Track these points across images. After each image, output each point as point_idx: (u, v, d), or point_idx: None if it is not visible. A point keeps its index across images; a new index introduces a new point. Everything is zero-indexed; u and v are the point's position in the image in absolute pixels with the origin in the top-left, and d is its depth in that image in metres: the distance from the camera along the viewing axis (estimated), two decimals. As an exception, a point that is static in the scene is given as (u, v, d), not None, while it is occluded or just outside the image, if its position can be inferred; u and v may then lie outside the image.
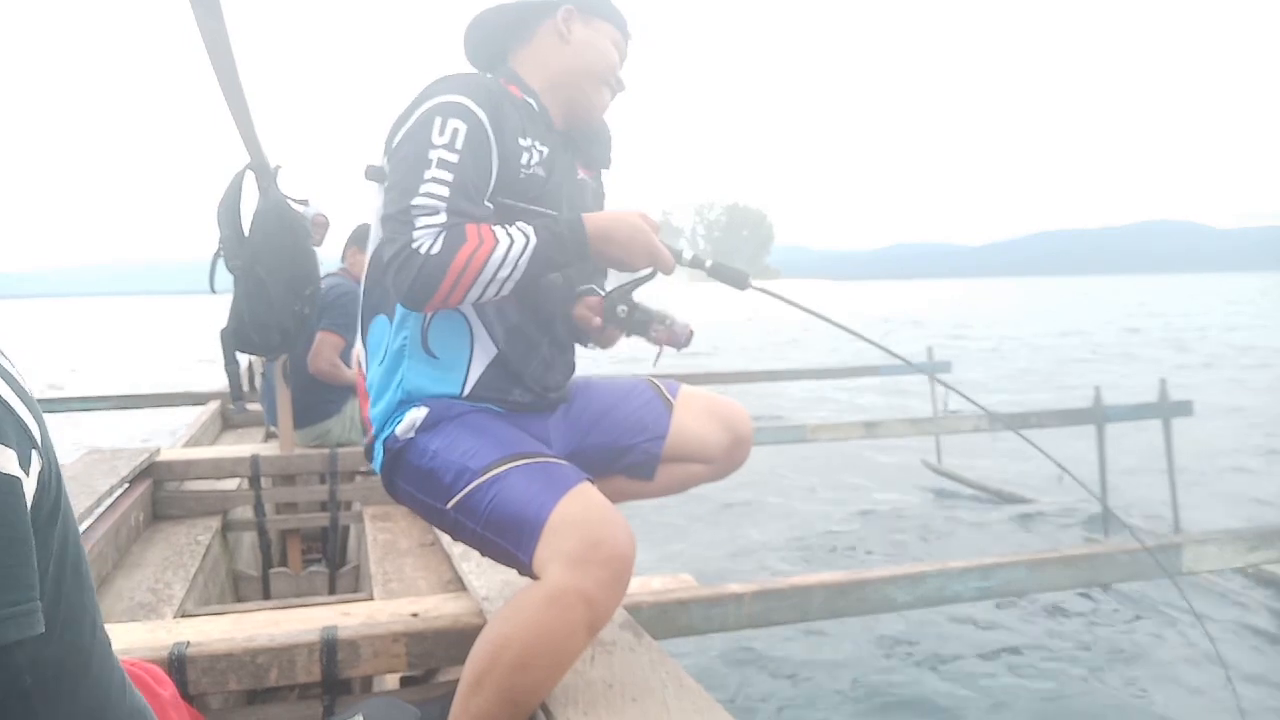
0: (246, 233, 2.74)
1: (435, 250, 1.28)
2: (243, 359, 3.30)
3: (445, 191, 1.30)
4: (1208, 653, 3.39)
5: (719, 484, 1.80)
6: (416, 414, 1.40)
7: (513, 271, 1.32)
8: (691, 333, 1.51)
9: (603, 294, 1.61)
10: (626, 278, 1.53)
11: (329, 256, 3.70)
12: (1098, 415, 4.74)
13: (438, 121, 1.34)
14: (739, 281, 1.51)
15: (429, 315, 1.43)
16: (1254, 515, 5.43)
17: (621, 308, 1.51)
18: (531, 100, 1.50)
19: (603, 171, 1.69)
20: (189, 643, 1.44)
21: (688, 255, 1.49)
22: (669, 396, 1.65)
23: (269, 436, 4.13)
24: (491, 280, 1.31)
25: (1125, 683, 3.15)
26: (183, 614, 2.09)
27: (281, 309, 2.78)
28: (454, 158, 1.32)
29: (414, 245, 1.28)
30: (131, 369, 17.39)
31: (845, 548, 5.00)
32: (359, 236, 3.61)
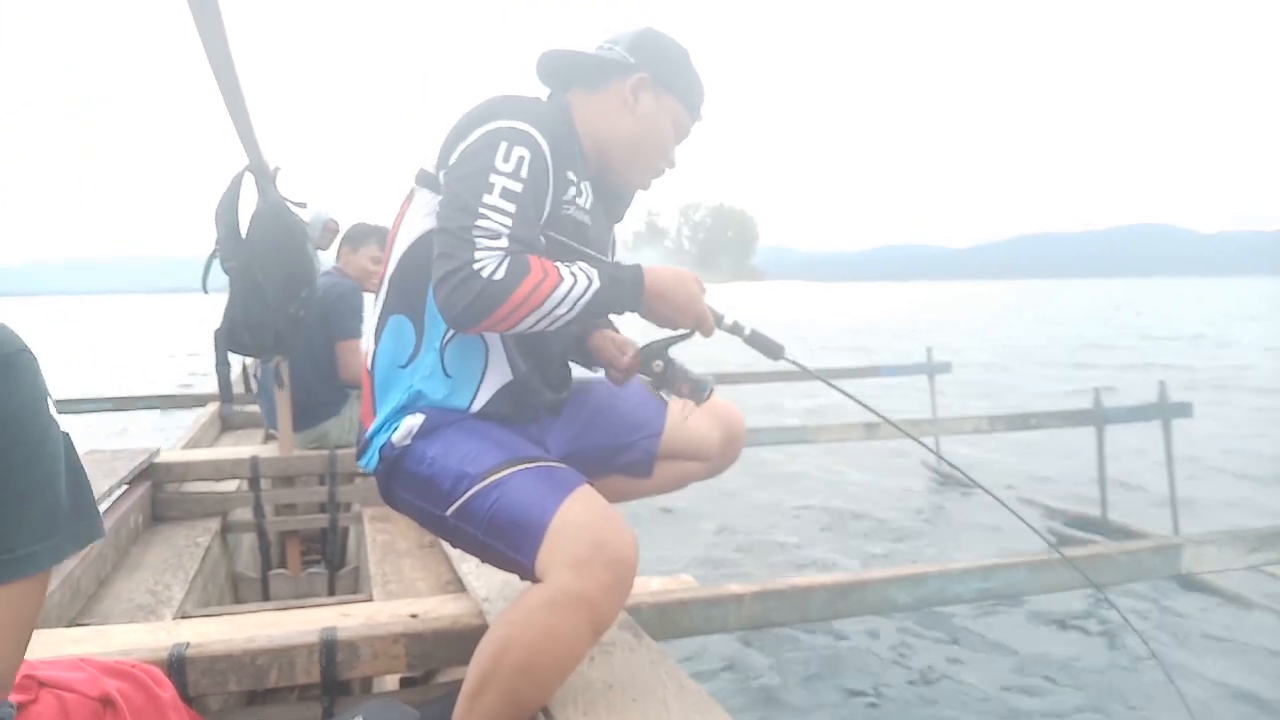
0: (244, 234, 2.74)
1: (499, 276, 1.25)
2: (238, 360, 3.29)
3: (508, 220, 1.29)
4: (1206, 654, 3.39)
5: (720, 485, 1.80)
6: (413, 421, 1.39)
7: (569, 311, 1.31)
8: (713, 390, 1.53)
9: (615, 330, 1.65)
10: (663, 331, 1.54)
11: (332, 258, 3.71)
12: (1097, 416, 4.74)
13: (502, 146, 1.32)
14: (774, 353, 1.53)
15: (451, 333, 1.41)
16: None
17: (658, 363, 1.53)
18: (575, 143, 1.49)
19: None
20: (188, 644, 1.44)
21: (728, 321, 1.51)
22: (662, 395, 1.65)
23: (268, 438, 4.13)
24: (547, 315, 1.30)
25: (1124, 684, 3.15)
26: (182, 615, 2.09)
27: (276, 310, 2.77)
28: (518, 187, 1.31)
29: (475, 266, 1.25)
30: (124, 371, 17.38)
31: (845, 549, 5.00)
32: (352, 236, 3.61)
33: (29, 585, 0.79)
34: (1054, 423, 5.02)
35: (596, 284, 1.33)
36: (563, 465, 1.37)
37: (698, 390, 1.51)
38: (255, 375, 3.97)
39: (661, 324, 1.45)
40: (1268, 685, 3.12)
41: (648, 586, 1.84)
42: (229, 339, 2.84)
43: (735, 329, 1.52)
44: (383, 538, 2.56)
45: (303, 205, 2.91)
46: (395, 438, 1.39)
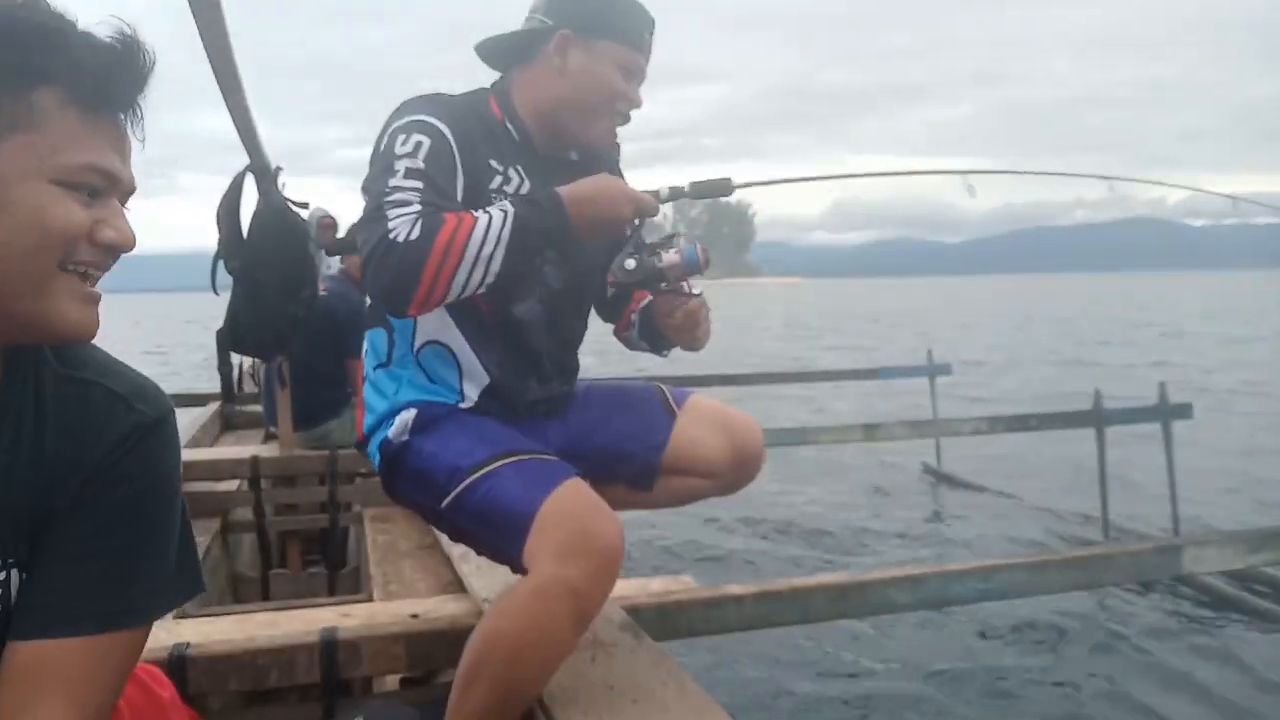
0: (245, 234, 2.74)
1: (415, 236, 1.24)
2: (238, 361, 3.29)
3: (415, 194, 1.30)
4: (1207, 655, 3.38)
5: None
6: (407, 415, 1.41)
7: (496, 248, 1.27)
8: (705, 250, 1.42)
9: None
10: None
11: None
12: (1097, 418, 4.73)
13: (401, 137, 1.34)
14: (724, 190, 1.49)
15: (419, 344, 1.44)
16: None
17: (629, 262, 1.43)
18: (512, 126, 1.47)
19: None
20: (189, 644, 1.44)
21: (665, 193, 1.44)
22: (673, 405, 1.59)
23: (269, 438, 4.13)
24: (476, 261, 1.27)
25: (1124, 685, 3.15)
26: (182, 615, 2.08)
27: (277, 311, 2.78)
28: (419, 165, 1.32)
29: (391, 235, 1.24)
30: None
31: (845, 550, 5.00)
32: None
33: (131, 636, 0.82)
34: (1054, 424, 5.02)
35: (512, 209, 1.30)
36: (554, 457, 1.37)
37: (687, 261, 1.40)
38: (254, 375, 3.98)
39: (604, 229, 1.38)
40: (1268, 685, 3.12)
41: (648, 588, 1.84)
42: (232, 339, 2.84)
43: (676, 192, 1.46)
44: (383, 538, 2.56)
45: (304, 205, 2.92)
46: (392, 433, 1.42)
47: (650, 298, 1.58)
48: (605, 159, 1.59)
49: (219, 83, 1.95)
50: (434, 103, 1.40)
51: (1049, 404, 8.43)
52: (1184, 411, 4.78)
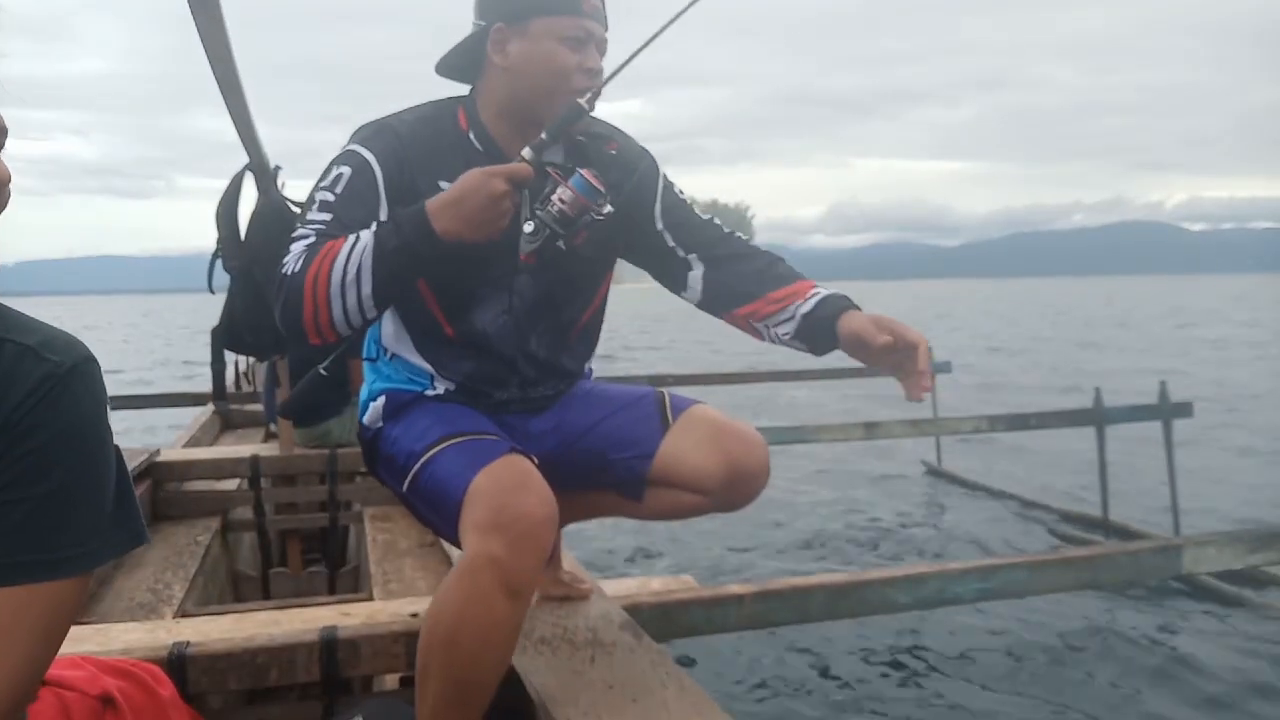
0: (244, 233, 2.74)
1: (297, 268, 1.25)
2: (241, 360, 3.29)
3: (316, 226, 1.30)
4: (1207, 655, 3.39)
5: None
6: (379, 403, 1.47)
7: (360, 271, 1.24)
8: (590, 171, 1.33)
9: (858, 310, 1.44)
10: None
11: None
12: (1097, 416, 4.73)
13: (330, 171, 1.36)
14: (577, 114, 1.36)
15: (389, 353, 1.49)
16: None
17: (527, 226, 1.35)
18: (475, 137, 1.43)
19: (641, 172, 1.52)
20: (189, 643, 1.44)
21: (528, 154, 1.32)
22: (669, 415, 1.52)
23: (269, 437, 4.13)
24: (344, 285, 1.24)
25: (1124, 685, 3.15)
26: (182, 614, 2.09)
27: (277, 311, 2.78)
28: (331, 197, 1.33)
29: (283, 269, 1.26)
30: (120, 371, 17.36)
31: (845, 549, 5.00)
32: None
33: (64, 588, 0.79)
34: (1054, 422, 5.02)
35: (373, 228, 1.27)
36: (496, 437, 1.36)
37: (577, 194, 1.30)
38: (247, 375, 3.97)
39: (491, 218, 1.26)
40: (1268, 685, 3.12)
41: (648, 586, 1.85)
42: (229, 338, 2.84)
43: (539, 146, 1.33)
44: (383, 537, 2.56)
45: (302, 205, 2.92)
46: (367, 419, 1.49)
47: (808, 300, 1.45)
48: (601, 152, 1.50)
49: (219, 83, 1.95)
50: (375, 130, 1.39)
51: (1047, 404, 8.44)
52: (1184, 410, 4.78)
